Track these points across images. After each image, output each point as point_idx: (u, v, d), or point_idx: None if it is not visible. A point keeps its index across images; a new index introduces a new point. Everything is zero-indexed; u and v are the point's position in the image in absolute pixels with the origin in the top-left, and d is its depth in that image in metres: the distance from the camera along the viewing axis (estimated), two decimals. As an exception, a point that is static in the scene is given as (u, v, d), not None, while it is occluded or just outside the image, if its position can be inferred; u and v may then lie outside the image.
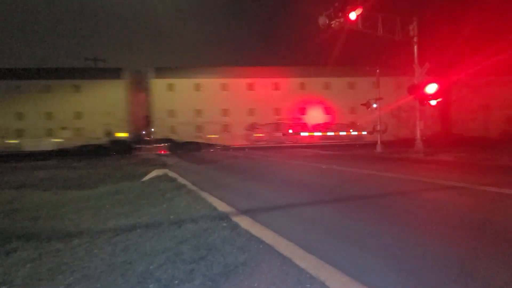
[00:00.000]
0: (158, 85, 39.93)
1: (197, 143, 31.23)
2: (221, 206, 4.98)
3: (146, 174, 10.54)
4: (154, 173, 10.29)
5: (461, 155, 13.88)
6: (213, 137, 37.62)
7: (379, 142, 20.17)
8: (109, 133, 37.70)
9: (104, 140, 34.75)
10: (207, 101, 40.23)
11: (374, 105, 20.86)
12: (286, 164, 13.49)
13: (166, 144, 30.15)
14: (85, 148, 29.08)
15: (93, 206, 5.79)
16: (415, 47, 15.47)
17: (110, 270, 2.73)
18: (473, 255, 2.88)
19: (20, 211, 5.59)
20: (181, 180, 8.38)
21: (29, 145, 34.89)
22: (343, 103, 41.74)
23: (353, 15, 13.07)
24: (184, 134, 36.74)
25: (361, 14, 13.87)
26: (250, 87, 41.80)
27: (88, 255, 3.13)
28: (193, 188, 6.88)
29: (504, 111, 39.36)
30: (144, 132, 42.45)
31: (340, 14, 13.17)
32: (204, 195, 5.99)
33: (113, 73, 39.60)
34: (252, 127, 37.15)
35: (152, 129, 40.31)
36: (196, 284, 2.41)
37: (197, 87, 40.81)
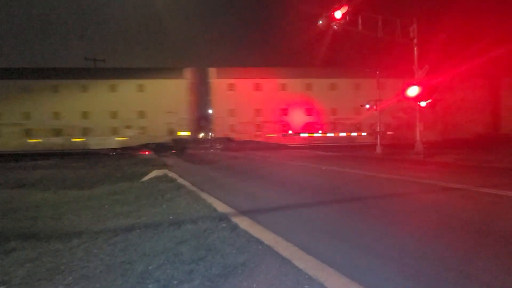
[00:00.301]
0: (219, 85, 40.62)
1: (257, 142, 32.10)
2: (221, 207, 4.98)
3: (146, 174, 10.54)
4: (153, 174, 10.30)
5: (460, 156, 13.90)
6: (272, 136, 38.00)
7: (378, 143, 20.19)
8: (171, 132, 38.40)
9: (166, 138, 35.60)
10: (266, 101, 40.69)
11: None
12: (286, 165, 13.49)
13: (224, 142, 30.81)
14: (148, 146, 30.34)
15: (92, 206, 5.79)
16: (415, 48, 15.51)
17: (109, 270, 2.73)
18: (472, 257, 2.88)
19: (19, 211, 5.59)
20: (181, 180, 8.38)
21: (95, 143, 36.34)
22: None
23: (338, 14, 13.13)
24: (244, 133, 37.20)
25: (361, 16, 13.92)
26: (308, 87, 42.29)
27: (87, 255, 3.13)
28: (193, 188, 6.87)
29: (504, 112, 39.42)
30: (205, 131, 43.06)
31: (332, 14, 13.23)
32: (204, 195, 5.99)
33: (176, 72, 40.25)
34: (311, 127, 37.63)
35: (212, 128, 40.63)
36: (195, 284, 2.41)
37: (257, 87, 41.09)
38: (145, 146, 32.41)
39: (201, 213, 4.60)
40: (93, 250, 3.28)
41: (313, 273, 2.48)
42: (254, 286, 2.38)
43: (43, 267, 2.89)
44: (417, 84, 13.01)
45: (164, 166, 13.44)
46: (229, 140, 34.32)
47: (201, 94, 42.68)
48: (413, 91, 12.80)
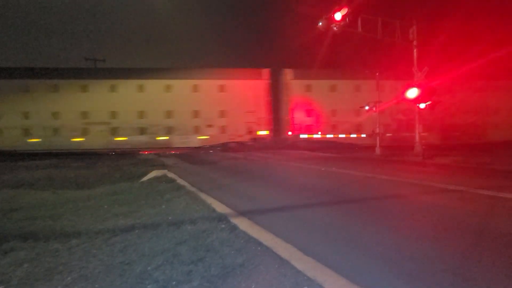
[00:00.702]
0: (297, 86, 41.43)
1: (334, 141, 32.68)
2: (220, 208, 4.98)
3: (145, 174, 10.53)
4: (153, 174, 10.29)
5: (459, 158, 13.93)
6: (346, 136, 38.58)
7: (378, 144, 20.22)
8: (251, 131, 39.47)
9: (246, 137, 36.92)
10: (341, 101, 41.19)
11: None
12: (286, 166, 13.49)
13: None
14: (228, 145, 31.11)
15: (91, 206, 5.78)
16: (415, 50, 15.56)
17: (108, 271, 2.73)
18: (469, 258, 2.89)
19: (17, 211, 5.58)
20: (180, 181, 8.38)
21: (178, 141, 37.65)
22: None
23: (338, 16, 13.18)
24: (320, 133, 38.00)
25: (361, 18, 13.97)
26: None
27: (86, 256, 3.13)
28: (192, 189, 6.87)
29: (502, 115, 39.54)
30: (283, 130, 43.72)
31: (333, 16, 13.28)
32: (203, 196, 5.99)
33: (255, 73, 41.24)
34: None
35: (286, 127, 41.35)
36: (194, 285, 2.41)
37: (333, 88, 41.68)
38: (225, 145, 33.24)
39: (200, 213, 4.60)
40: (92, 250, 3.28)
41: (312, 274, 2.48)
42: (253, 287, 2.38)
43: (42, 267, 2.88)
44: (417, 86, 13.07)
45: (163, 166, 13.43)
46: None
47: (278, 95, 43.31)
48: (412, 93, 12.88)
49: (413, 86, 13.12)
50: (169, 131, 39.80)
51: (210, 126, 40.17)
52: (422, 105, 13.37)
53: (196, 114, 40.51)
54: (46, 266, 2.89)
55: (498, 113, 40.07)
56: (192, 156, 23.00)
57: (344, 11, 13.17)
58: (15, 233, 3.94)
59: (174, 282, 2.46)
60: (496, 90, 39.01)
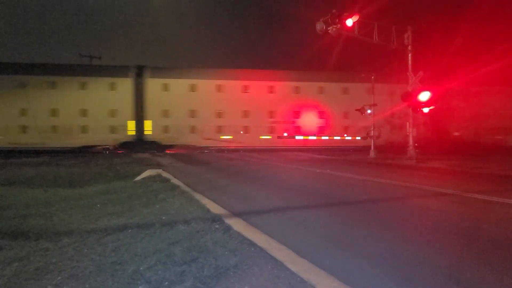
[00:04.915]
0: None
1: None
2: (214, 208, 4.96)
3: (139, 174, 10.45)
4: (147, 173, 10.21)
5: (452, 162, 14.10)
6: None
7: (372, 147, 20.37)
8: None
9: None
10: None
11: (369, 111, 21.20)
12: (280, 168, 13.51)
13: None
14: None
15: (84, 205, 5.71)
16: (410, 55, 15.73)
17: (99, 271, 2.69)
18: (462, 261, 2.92)
19: (8, 209, 5.48)
20: (175, 181, 8.32)
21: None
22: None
23: (349, 22, 13.28)
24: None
25: (357, 21, 14.06)
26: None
27: (78, 255, 3.08)
28: (187, 189, 6.83)
29: (495, 120, 40.14)
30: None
31: (337, 21, 13.35)
32: (198, 196, 5.95)
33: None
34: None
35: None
36: (187, 286, 2.39)
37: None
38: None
39: (194, 214, 4.57)
40: (83, 249, 3.23)
41: (305, 276, 2.48)
42: (246, 288, 2.37)
43: (32, 266, 2.83)
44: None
45: (157, 166, 13.34)
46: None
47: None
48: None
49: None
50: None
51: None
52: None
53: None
54: (36, 265, 2.84)
55: (494, 118, 40.65)
56: (188, 156, 22.89)
57: (356, 18, 13.26)
58: (5, 232, 3.87)
59: (167, 283, 2.43)
60: (492, 95, 39.56)
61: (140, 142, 37.28)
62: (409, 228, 4.15)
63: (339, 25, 13.43)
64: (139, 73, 40.26)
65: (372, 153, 19.89)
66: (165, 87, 40.34)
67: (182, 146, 35.52)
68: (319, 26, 13.58)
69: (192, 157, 22.19)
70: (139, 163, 15.35)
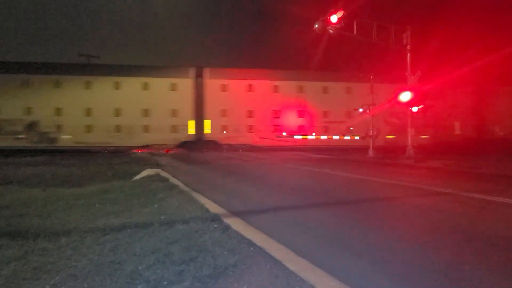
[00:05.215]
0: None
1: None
2: (213, 208, 4.96)
3: (138, 173, 10.42)
4: (145, 173, 10.18)
5: (449, 162, 14.14)
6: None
7: (371, 147, 20.42)
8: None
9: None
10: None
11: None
12: (279, 167, 13.51)
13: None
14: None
15: (82, 204, 5.69)
16: (408, 55, 15.76)
17: (98, 270, 2.68)
18: (459, 260, 2.93)
19: (6, 208, 5.46)
20: (173, 180, 8.31)
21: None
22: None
23: (334, 18, 13.31)
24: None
25: (357, 21, 14.11)
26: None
27: (76, 255, 3.07)
28: (185, 188, 6.82)
29: (492, 119, 40.27)
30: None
31: (329, 18, 13.41)
32: (196, 196, 5.95)
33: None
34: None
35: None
36: (185, 285, 2.39)
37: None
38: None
39: (193, 213, 4.57)
40: (81, 249, 3.22)
41: (304, 275, 2.48)
42: (245, 287, 2.37)
43: (30, 266, 2.82)
44: (410, 90, 13.25)
45: (156, 165, 13.32)
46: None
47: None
48: (405, 96, 13.06)
49: (405, 90, 13.31)
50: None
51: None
52: (414, 109, 13.58)
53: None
54: (34, 265, 2.83)
55: (489, 117, 40.76)
56: (187, 156, 22.88)
57: (340, 13, 13.29)
58: (2, 231, 3.85)
59: (165, 282, 2.43)
60: (488, 95, 39.68)
61: (199, 141, 36.70)
62: (407, 227, 4.16)
63: (338, 24, 13.46)
64: (199, 73, 40.14)
65: (370, 153, 19.94)
66: (224, 88, 40.27)
67: (241, 145, 34.47)
68: (318, 26, 13.61)
69: (190, 157, 22.18)
70: (138, 162, 15.32)
